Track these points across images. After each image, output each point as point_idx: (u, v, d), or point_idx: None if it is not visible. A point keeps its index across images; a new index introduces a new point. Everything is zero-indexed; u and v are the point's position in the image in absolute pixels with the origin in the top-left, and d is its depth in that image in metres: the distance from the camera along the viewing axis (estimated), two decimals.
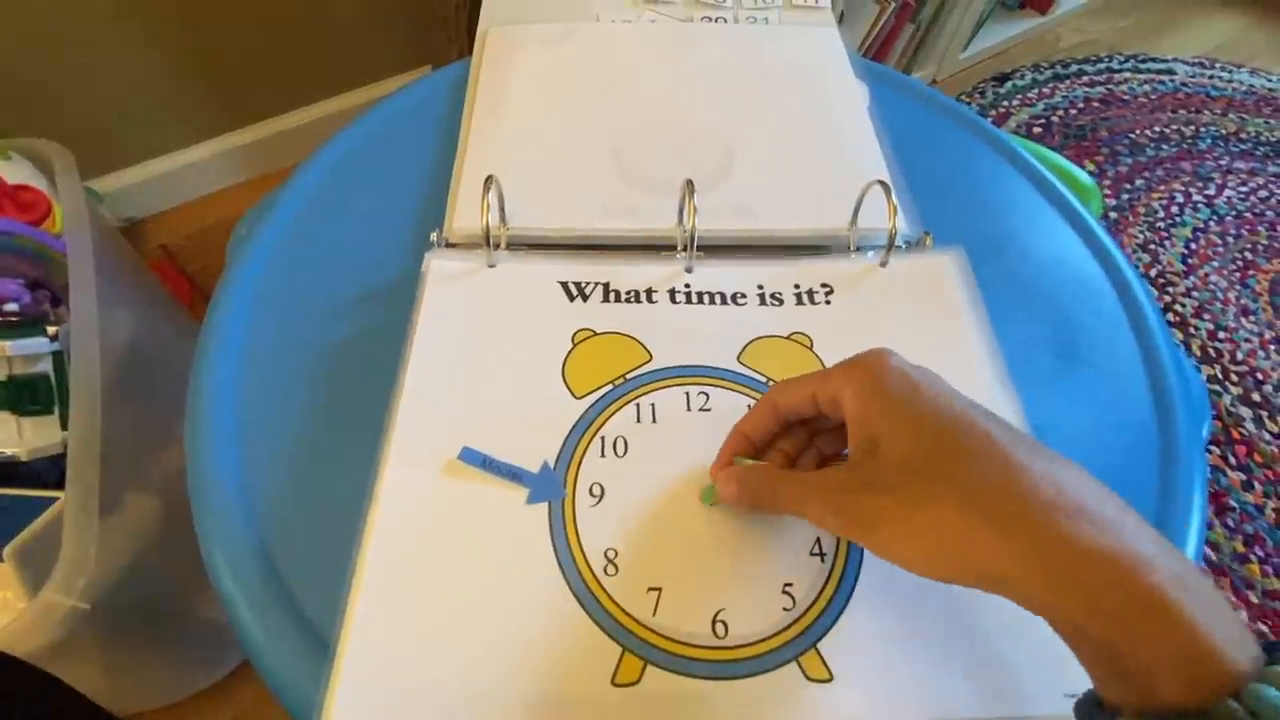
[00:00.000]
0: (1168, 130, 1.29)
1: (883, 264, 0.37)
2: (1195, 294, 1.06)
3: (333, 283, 0.37)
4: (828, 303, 0.36)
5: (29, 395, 0.52)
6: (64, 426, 0.52)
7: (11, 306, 0.53)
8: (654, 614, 0.26)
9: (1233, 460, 0.90)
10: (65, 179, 0.62)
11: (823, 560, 0.28)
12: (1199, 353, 1.00)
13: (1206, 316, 1.03)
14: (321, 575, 0.27)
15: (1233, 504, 0.86)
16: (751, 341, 0.34)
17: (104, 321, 0.52)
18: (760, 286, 0.36)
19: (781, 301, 0.36)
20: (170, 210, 1.05)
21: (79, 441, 0.47)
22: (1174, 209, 1.17)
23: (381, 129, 0.44)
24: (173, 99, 0.96)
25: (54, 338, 0.53)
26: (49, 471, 0.53)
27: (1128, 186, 1.20)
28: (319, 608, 0.27)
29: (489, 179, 0.34)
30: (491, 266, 0.35)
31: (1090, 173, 1.23)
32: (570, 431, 0.30)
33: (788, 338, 0.34)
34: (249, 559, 0.28)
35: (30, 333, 0.51)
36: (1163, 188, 1.20)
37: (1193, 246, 1.12)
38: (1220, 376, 0.97)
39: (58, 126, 0.87)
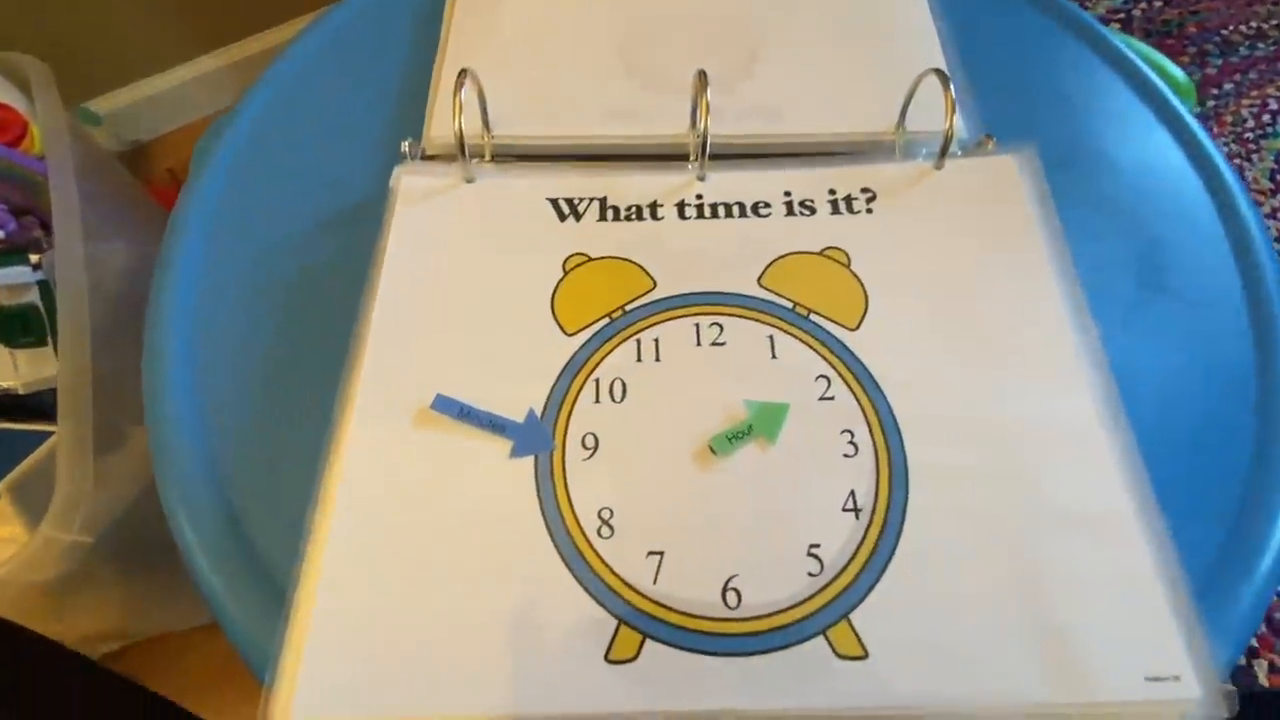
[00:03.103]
0: (1265, 26, 1.14)
1: (937, 167, 0.31)
2: None
3: (299, 201, 0.33)
4: (869, 211, 0.30)
5: (20, 327, 0.50)
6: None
7: None
8: (655, 581, 0.23)
9: None
10: (43, 95, 0.58)
11: (857, 517, 0.24)
12: None
13: None
14: (285, 525, 0.25)
15: None
16: (776, 260, 0.29)
17: (95, 248, 0.50)
18: (788, 194, 0.31)
19: (813, 210, 0.30)
20: (176, 131, 1.01)
21: (69, 373, 0.45)
22: (1265, 118, 1.04)
23: (355, 24, 0.39)
24: (176, 7, 0.90)
25: (38, 266, 0.50)
26: (53, 405, 0.52)
27: (1215, 91, 1.06)
28: (281, 560, 0.24)
29: (463, 73, 0.28)
30: (470, 181, 0.31)
31: None
32: (560, 374, 0.26)
33: (820, 254, 0.29)
34: (209, 508, 0.26)
35: (11, 261, 0.49)
36: (1255, 93, 1.06)
37: None
38: None
39: (51, 39, 0.82)
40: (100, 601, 0.53)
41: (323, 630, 0.22)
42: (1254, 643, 0.70)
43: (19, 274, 0.49)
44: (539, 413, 0.26)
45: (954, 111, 0.30)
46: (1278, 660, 0.68)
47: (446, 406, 0.25)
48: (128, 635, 0.59)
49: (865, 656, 0.22)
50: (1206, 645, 0.22)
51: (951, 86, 0.30)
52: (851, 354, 0.27)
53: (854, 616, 0.22)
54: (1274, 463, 0.28)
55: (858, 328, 0.28)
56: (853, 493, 0.24)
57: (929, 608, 0.23)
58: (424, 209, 0.30)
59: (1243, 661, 0.69)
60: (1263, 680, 0.68)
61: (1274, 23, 1.14)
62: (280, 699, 0.21)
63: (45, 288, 0.52)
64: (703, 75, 0.29)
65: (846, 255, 0.29)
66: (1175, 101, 0.38)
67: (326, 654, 0.22)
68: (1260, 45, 1.11)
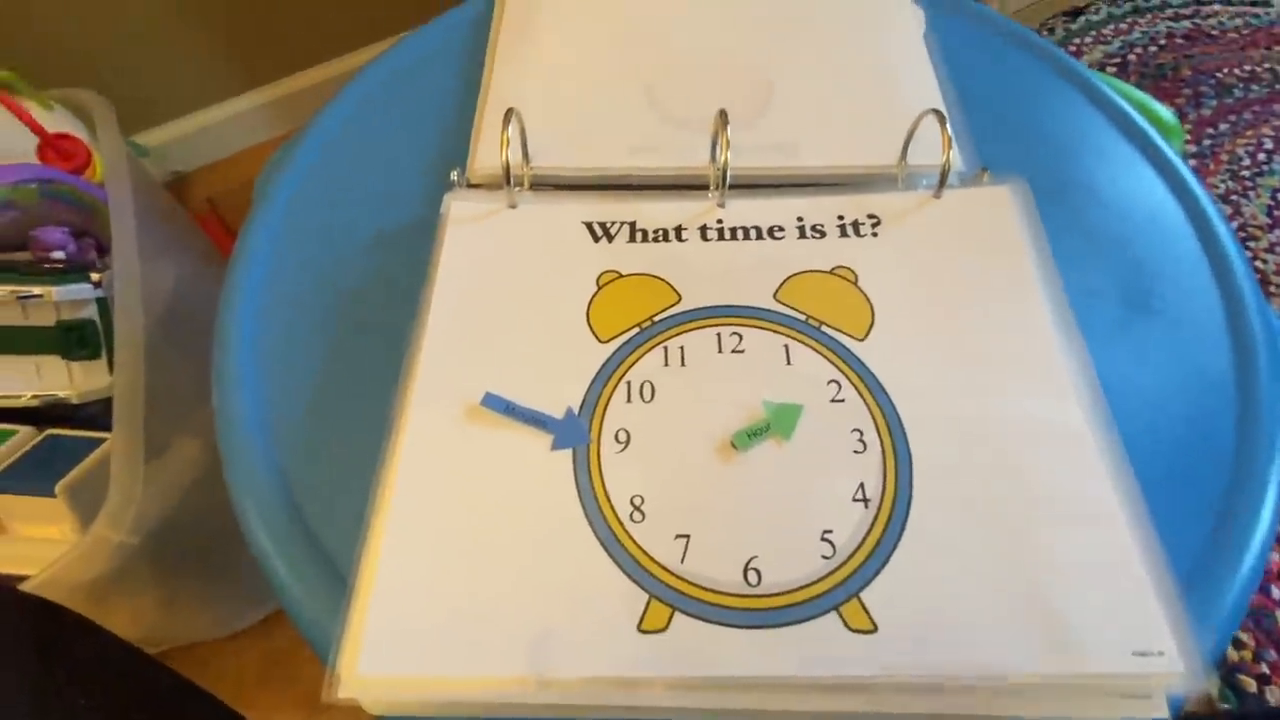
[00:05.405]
0: (1259, 69, 1.18)
1: (936, 196, 0.34)
2: (1279, 250, 0.98)
3: (356, 225, 0.36)
4: (874, 235, 0.33)
5: (77, 340, 0.53)
6: (112, 371, 0.54)
7: (59, 254, 0.55)
8: (682, 561, 0.25)
9: None
10: (105, 128, 0.62)
11: (866, 506, 0.26)
12: (1278, 314, 0.92)
13: None
14: (346, 518, 0.27)
15: None
16: (790, 277, 0.32)
17: (147, 269, 0.53)
18: (800, 219, 0.34)
19: (823, 234, 0.33)
20: (216, 163, 1.06)
21: (124, 384, 0.49)
22: (1261, 156, 1.07)
23: (406, 66, 0.43)
24: (216, 50, 0.96)
25: (98, 284, 0.54)
26: (104, 415, 0.55)
27: (1211, 131, 1.10)
28: (341, 547, 0.27)
29: (509, 112, 0.32)
30: (513, 207, 0.34)
31: None
32: (595, 377, 0.29)
33: (830, 272, 0.32)
34: (275, 504, 0.28)
35: (75, 279, 0.53)
36: (1250, 133, 1.09)
37: None
38: None
39: (101, 78, 0.88)
40: (136, 607, 0.55)
41: (384, 601, 0.24)
42: (1265, 669, 0.70)
43: (80, 291, 0.53)
44: (576, 410, 0.28)
45: (950, 146, 0.33)
46: None
47: (494, 404, 0.28)
48: (159, 642, 0.61)
49: (874, 630, 0.24)
50: (1189, 626, 0.24)
51: (947, 124, 0.34)
52: (860, 361, 0.30)
53: (864, 595, 0.24)
54: (1254, 471, 0.29)
55: (865, 338, 0.30)
56: (862, 485, 0.27)
57: (933, 588, 0.25)
58: (472, 231, 0.33)
59: (1254, 689, 0.69)
60: (1274, 702, 0.68)
61: (1267, 66, 1.18)
62: (347, 658, 0.23)
63: (101, 304, 0.55)
64: (723, 114, 0.32)
65: (854, 274, 0.32)
66: (1158, 139, 0.41)
67: (388, 620, 0.24)
68: (1254, 87, 1.15)
